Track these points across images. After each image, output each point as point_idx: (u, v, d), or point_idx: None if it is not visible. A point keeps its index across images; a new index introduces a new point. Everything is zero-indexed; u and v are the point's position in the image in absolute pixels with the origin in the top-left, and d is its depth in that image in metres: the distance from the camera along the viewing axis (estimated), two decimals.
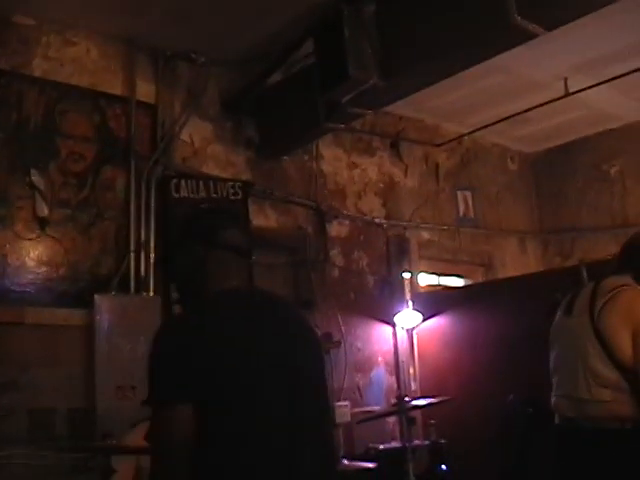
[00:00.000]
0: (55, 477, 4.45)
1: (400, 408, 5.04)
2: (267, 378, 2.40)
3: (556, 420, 4.03)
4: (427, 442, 5.53)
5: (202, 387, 2.30)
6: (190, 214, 2.90)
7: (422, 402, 5.15)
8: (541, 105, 6.69)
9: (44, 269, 4.84)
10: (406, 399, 5.03)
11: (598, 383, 3.71)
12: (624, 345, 3.65)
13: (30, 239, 4.81)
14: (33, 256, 4.81)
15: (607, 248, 6.54)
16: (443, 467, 5.35)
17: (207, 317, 2.45)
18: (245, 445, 2.31)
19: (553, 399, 4.05)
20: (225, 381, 2.33)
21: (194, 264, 2.61)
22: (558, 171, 8.25)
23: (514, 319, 5.67)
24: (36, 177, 4.86)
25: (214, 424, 2.31)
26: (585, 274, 5.35)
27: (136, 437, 4.10)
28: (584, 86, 6.39)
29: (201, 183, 5.45)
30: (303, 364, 2.52)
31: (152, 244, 5.22)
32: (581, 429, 3.79)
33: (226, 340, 2.39)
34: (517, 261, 7.96)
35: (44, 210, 4.85)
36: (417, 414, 5.62)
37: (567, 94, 6.48)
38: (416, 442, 5.30)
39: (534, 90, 6.60)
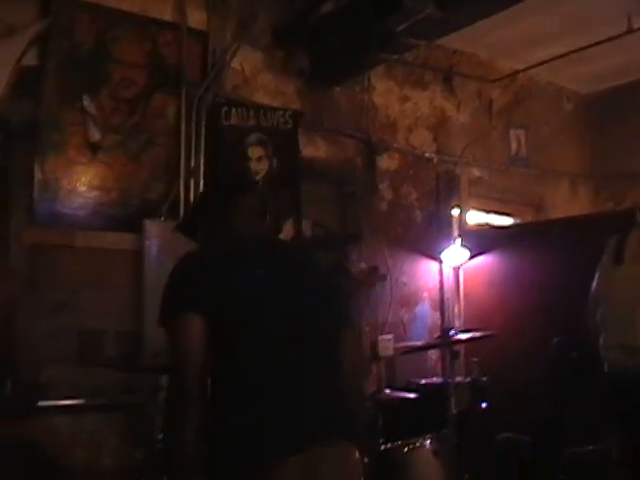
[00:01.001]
0: (105, 396, 4.53)
1: (444, 341, 5.03)
2: (269, 307, 2.58)
3: (606, 369, 3.98)
4: (469, 379, 5.53)
5: (210, 305, 2.51)
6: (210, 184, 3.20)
7: (466, 335, 5.12)
8: (601, 42, 6.48)
9: (95, 194, 4.87)
10: (450, 332, 5.01)
11: None
12: None
13: (82, 164, 4.83)
14: (84, 181, 4.84)
15: None
16: (484, 405, 5.36)
17: (219, 251, 2.74)
18: (245, 363, 2.50)
19: (604, 349, 4.00)
20: (230, 304, 2.54)
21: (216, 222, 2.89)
22: (614, 114, 8.02)
23: (563, 261, 5.60)
24: (87, 103, 4.86)
25: (218, 342, 2.49)
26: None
27: None
28: None
29: (251, 111, 5.42)
30: (308, 302, 2.67)
31: (201, 171, 5.21)
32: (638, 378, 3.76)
33: (234, 270, 2.62)
34: (568, 204, 7.84)
35: (95, 135, 4.86)
36: (460, 350, 5.61)
37: (630, 30, 6.27)
38: (458, 378, 5.31)
39: (595, 26, 6.37)
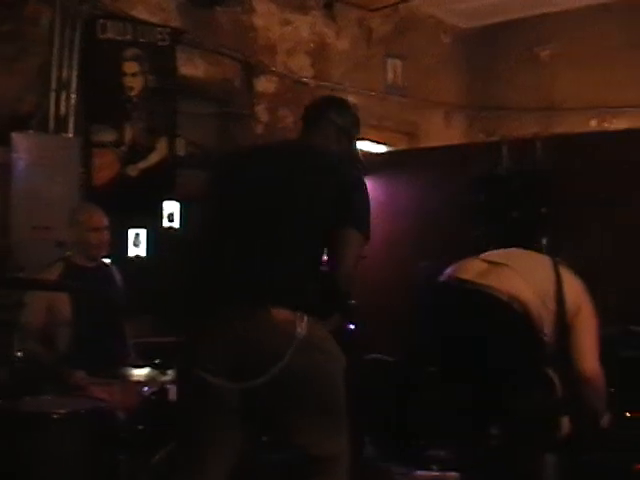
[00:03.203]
0: None
1: None
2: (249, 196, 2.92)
3: None
4: None
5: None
6: None
7: None
8: None
9: None
10: None
11: None
12: None
13: None
14: None
15: (530, 129, 6.65)
16: (351, 326, 5.49)
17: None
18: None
19: None
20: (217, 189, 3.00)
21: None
22: (491, 49, 8.24)
23: (434, 189, 5.78)
24: None
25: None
26: (506, 151, 5.47)
27: (49, 274, 4.15)
28: None
29: (128, 26, 5.32)
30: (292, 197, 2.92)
31: (74, 84, 5.11)
32: None
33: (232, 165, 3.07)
34: (442, 134, 8.01)
35: None
36: None
37: None
38: None
39: None
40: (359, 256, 2.97)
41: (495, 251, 3.69)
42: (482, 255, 3.63)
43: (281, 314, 2.75)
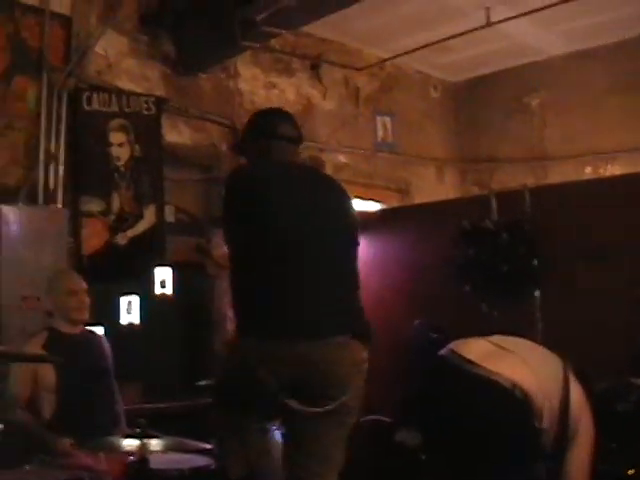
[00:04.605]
0: None
1: None
2: (294, 218, 3.06)
3: None
4: None
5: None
6: (254, 114, 3.60)
7: None
8: (462, 34, 6.69)
9: None
10: None
11: None
12: None
13: None
14: None
15: (524, 179, 6.68)
16: None
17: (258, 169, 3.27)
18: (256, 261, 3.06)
19: None
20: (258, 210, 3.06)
21: (259, 152, 3.31)
22: (479, 101, 8.33)
23: (423, 245, 5.80)
24: None
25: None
26: (494, 204, 5.49)
27: (33, 344, 4.18)
28: (506, 17, 6.42)
29: (114, 97, 5.41)
30: (330, 219, 3.15)
31: (62, 156, 5.19)
32: None
33: (266, 184, 3.12)
34: (434, 189, 8.04)
35: None
36: None
37: (488, 24, 6.51)
38: None
39: (457, 18, 6.61)
40: None
41: (504, 337, 3.65)
42: (490, 337, 3.60)
43: (353, 344, 2.97)
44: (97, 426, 4.01)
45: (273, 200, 3.08)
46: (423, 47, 7.03)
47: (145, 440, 3.21)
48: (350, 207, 3.34)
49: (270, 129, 3.32)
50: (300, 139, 3.41)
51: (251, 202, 3.10)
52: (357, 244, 3.29)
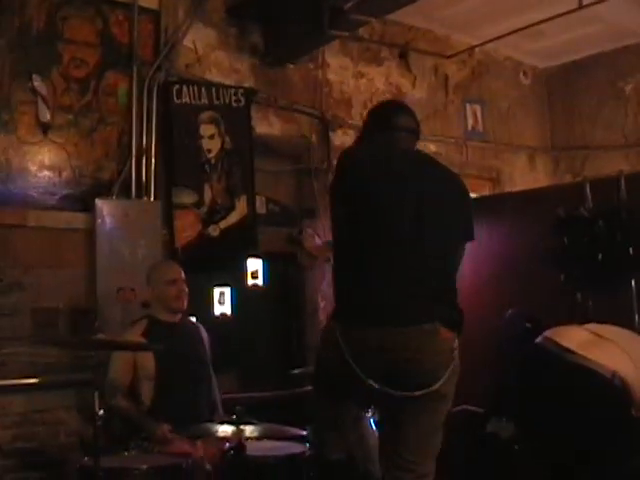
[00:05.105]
0: (57, 373, 4.61)
1: None
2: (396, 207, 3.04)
3: None
4: None
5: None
6: (373, 107, 3.62)
7: None
8: (553, 18, 6.51)
9: (47, 173, 4.90)
10: None
11: None
12: None
13: (33, 143, 4.86)
14: (36, 160, 4.87)
15: (617, 166, 6.49)
16: None
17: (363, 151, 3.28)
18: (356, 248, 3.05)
19: None
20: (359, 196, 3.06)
21: (379, 149, 3.25)
22: (572, 87, 8.12)
23: (516, 234, 5.69)
24: (38, 82, 4.88)
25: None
26: (589, 191, 5.35)
27: (133, 332, 4.26)
28: None
29: (203, 89, 5.44)
30: (435, 208, 3.07)
31: (153, 149, 5.25)
32: None
33: (365, 167, 3.10)
34: (526, 177, 7.90)
35: (46, 115, 4.89)
36: None
37: (581, 6, 6.32)
38: None
39: (547, 2, 6.43)
40: None
41: (602, 325, 3.56)
42: (587, 325, 3.51)
43: (443, 331, 2.94)
44: (195, 413, 4.06)
45: (370, 183, 3.06)
46: (513, 32, 6.88)
47: (241, 427, 3.22)
48: (464, 200, 3.27)
49: (391, 121, 3.30)
50: (418, 130, 3.39)
51: (350, 184, 3.10)
52: (467, 238, 3.24)
